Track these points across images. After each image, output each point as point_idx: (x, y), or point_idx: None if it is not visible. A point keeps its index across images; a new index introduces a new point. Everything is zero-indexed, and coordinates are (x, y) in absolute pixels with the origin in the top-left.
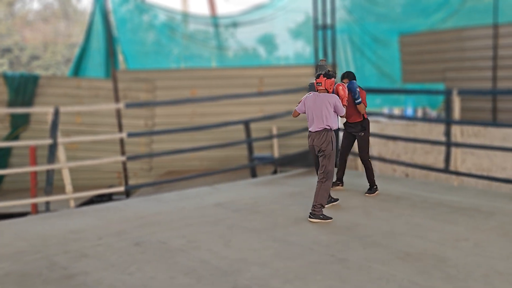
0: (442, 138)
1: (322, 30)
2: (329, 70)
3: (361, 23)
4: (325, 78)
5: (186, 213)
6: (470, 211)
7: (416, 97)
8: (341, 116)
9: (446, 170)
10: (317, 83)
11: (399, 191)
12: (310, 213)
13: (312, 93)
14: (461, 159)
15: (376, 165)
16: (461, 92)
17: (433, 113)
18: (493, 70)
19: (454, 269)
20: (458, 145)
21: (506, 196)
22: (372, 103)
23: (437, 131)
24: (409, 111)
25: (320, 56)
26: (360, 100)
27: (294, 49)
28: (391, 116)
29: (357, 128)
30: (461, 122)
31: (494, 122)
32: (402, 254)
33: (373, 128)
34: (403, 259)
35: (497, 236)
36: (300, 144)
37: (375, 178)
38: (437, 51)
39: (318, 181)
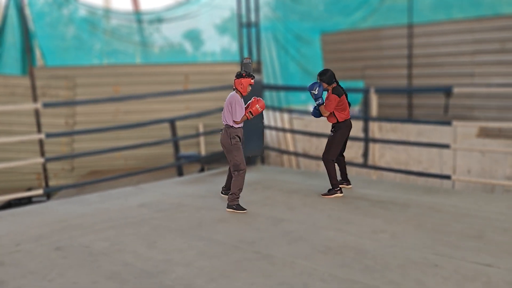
0: (361, 134)
1: (246, 28)
2: (244, 71)
3: (284, 21)
4: (235, 78)
5: (110, 215)
6: (388, 204)
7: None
8: (233, 121)
9: (364, 164)
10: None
11: (322, 186)
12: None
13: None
14: (381, 154)
15: (301, 161)
16: (378, 90)
17: (354, 110)
18: (409, 68)
19: (372, 261)
20: (375, 140)
21: (421, 189)
22: (297, 100)
23: (357, 127)
24: None
25: (245, 54)
26: (319, 101)
27: (220, 45)
28: None
29: (331, 128)
30: (378, 119)
31: (410, 119)
32: (324, 248)
33: (297, 125)
34: (324, 253)
35: (412, 228)
36: None
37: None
38: (357, 49)
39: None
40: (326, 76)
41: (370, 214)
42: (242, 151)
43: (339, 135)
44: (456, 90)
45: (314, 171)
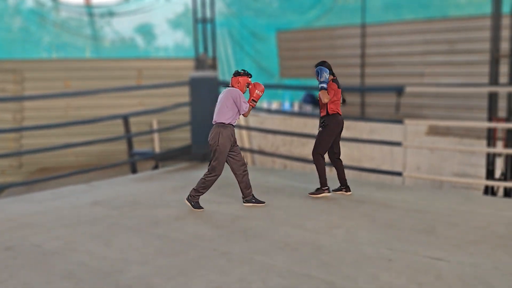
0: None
1: (202, 23)
2: (242, 70)
3: (240, 17)
4: (232, 76)
5: (62, 213)
6: (342, 200)
7: (293, 91)
8: (242, 115)
9: None
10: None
11: (279, 182)
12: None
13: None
14: None
15: (256, 158)
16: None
17: (306, 108)
18: (361, 67)
19: (328, 256)
20: None
21: (374, 185)
22: None
23: (312, 124)
24: (287, 105)
25: (200, 50)
26: (323, 85)
27: (173, 40)
28: (269, 111)
29: (320, 122)
30: None
31: (363, 117)
32: (282, 244)
33: (253, 121)
34: (282, 249)
35: (367, 223)
36: (182, 137)
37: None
38: (311, 48)
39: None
40: (326, 65)
41: (326, 211)
42: (225, 156)
43: (328, 131)
44: (408, 89)
45: (270, 168)
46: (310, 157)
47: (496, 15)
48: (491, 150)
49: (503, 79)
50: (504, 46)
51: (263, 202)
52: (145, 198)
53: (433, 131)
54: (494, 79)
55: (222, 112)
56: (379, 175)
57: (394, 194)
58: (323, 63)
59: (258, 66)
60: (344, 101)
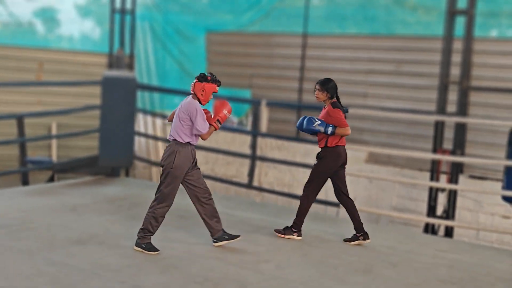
0: (246, 149)
1: (120, 14)
2: (210, 73)
3: (164, 11)
4: (196, 81)
5: None
6: (272, 229)
7: None
8: (201, 137)
9: (250, 185)
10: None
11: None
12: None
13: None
14: (264, 173)
15: None
16: (270, 104)
17: (236, 121)
18: (300, 81)
19: None
20: (263, 159)
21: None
22: (173, 104)
23: (240, 141)
24: None
25: (116, 44)
26: (329, 129)
27: (80, 30)
28: None
29: (317, 154)
30: (269, 135)
31: (299, 137)
32: (201, 278)
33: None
34: (201, 284)
35: (298, 258)
36: (86, 146)
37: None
38: (245, 54)
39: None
40: (330, 86)
41: (254, 241)
42: (179, 181)
43: (323, 165)
44: (351, 111)
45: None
46: (236, 178)
47: (448, 38)
48: (434, 184)
49: (451, 107)
50: (454, 72)
51: (238, 236)
52: (39, 216)
53: (373, 159)
54: (441, 107)
55: (178, 128)
56: (313, 204)
57: (329, 227)
58: (329, 81)
59: (181, 69)
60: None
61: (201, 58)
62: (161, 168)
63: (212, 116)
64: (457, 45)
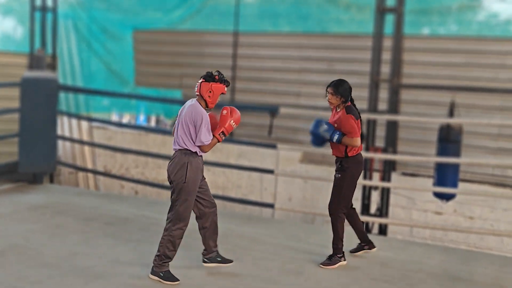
0: None
1: (41, 12)
2: (217, 72)
3: (89, 9)
4: (202, 80)
5: None
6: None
7: (150, 103)
8: (201, 149)
9: None
10: (196, 86)
11: (127, 212)
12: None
13: (192, 99)
14: None
15: (101, 181)
16: None
17: (168, 122)
18: (232, 81)
19: None
20: None
21: (241, 217)
22: (99, 107)
23: (171, 144)
24: (142, 119)
25: (37, 44)
26: (336, 137)
27: (1, 29)
28: (120, 124)
29: (337, 165)
30: None
31: (231, 138)
32: (130, 287)
33: (98, 136)
34: None
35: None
36: (6, 152)
37: None
38: (175, 53)
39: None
40: (343, 88)
41: (186, 247)
42: (194, 196)
43: (350, 177)
44: (282, 110)
45: (117, 194)
46: (167, 182)
47: (378, 36)
48: (367, 182)
49: (382, 105)
50: (385, 70)
51: (231, 261)
52: None
53: (308, 159)
54: (373, 106)
55: (185, 135)
56: (246, 206)
57: (264, 229)
58: (342, 83)
59: (108, 69)
60: (362, 135)
61: (128, 58)
62: (171, 185)
63: (218, 124)
64: (388, 43)
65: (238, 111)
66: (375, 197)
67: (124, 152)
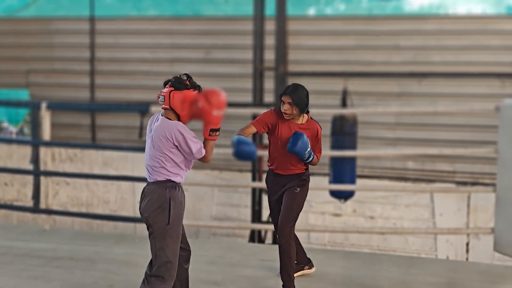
0: (28, 166)
1: None
2: (186, 75)
3: None
4: (171, 89)
5: None
6: (67, 261)
7: None
8: (204, 160)
9: (36, 209)
10: (159, 96)
11: None
12: None
13: (156, 113)
14: (54, 191)
15: None
16: (52, 106)
17: (13, 130)
18: (91, 76)
19: None
20: (50, 174)
21: (110, 238)
22: None
23: (19, 155)
24: None
25: None
26: (310, 158)
27: None
28: None
29: (293, 182)
30: (54, 143)
31: (95, 144)
32: None
33: None
34: None
35: None
36: None
37: None
38: (19, 45)
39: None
40: (303, 96)
41: (45, 278)
42: (180, 237)
43: (306, 191)
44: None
45: None
46: (17, 202)
47: (259, 18)
48: (257, 184)
49: (269, 96)
50: (270, 57)
51: None
52: None
53: None
54: (258, 98)
55: (164, 162)
56: (117, 224)
57: (139, 249)
58: (298, 88)
59: None
60: None
61: None
62: (149, 226)
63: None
64: (271, 26)
65: (214, 91)
66: (266, 202)
67: None
